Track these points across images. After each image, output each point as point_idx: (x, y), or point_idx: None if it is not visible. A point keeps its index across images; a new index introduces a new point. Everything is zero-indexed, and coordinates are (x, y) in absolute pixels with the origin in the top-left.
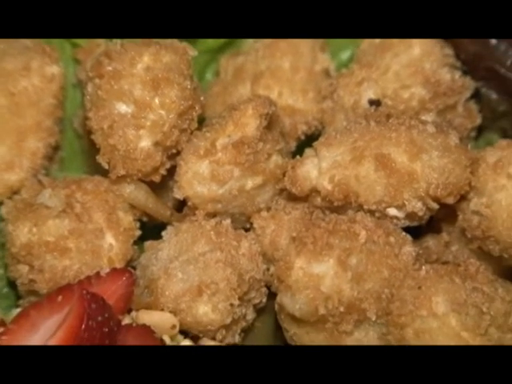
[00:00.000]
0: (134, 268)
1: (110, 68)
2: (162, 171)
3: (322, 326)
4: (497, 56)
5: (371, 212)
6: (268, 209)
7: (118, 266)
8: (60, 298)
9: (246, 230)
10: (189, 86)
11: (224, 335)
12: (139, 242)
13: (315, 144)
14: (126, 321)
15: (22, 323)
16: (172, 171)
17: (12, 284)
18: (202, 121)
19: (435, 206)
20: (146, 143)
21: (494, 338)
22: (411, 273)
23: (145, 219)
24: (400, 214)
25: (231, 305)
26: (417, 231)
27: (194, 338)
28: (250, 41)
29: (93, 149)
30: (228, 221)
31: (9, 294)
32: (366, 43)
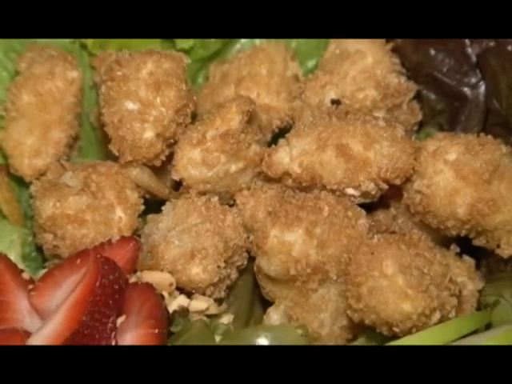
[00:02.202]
0: (139, 236)
1: (119, 73)
2: (162, 157)
3: (293, 284)
4: (435, 64)
5: (333, 191)
6: (248, 188)
7: (126, 234)
8: (78, 260)
9: (231, 206)
10: (184, 88)
11: (212, 291)
12: (143, 215)
13: (287, 135)
14: (133, 279)
15: (47, 281)
16: (170, 157)
17: (39, 249)
18: (194, 116)
19: (385, 186)
20: (149, 134)
21: (434, 294)
22: (365, 241)
23: (148, 196)
24: (356, 193)
25: (218, 267)
26: (370, 207)
27: (188, 294)
28: (234, 51)
29: (106, 139)
30: (216, 198)
31: (36, 258)
32: (328, 53)
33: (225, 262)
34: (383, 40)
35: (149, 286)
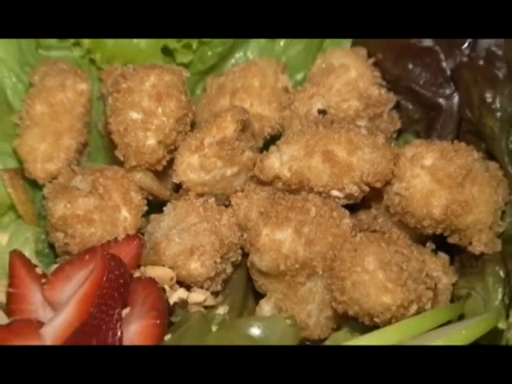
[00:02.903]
0: (143, 234)
1: (124, 85)
2: (164, 162)
3: (283, 278)
4: (413, 77)
5: (319, 193)
6: (242, 190)
7: (131, 233)
8: (87, 257)
9: (226, 206)
10: (184, 99)
11: (209, 285)
12: (146, 215)
13: (278, 142)
14: (137, 274)
15: (59, 275)
16: (171, 162)
17: (51, 246)
18: (193, 125)
19: (367, 189)
20: (151, 141)
21: (411, 288)
22: (349, 239)
23: (150, 198)
24: (340, 195)
25: (215, 262)
26: (353, 207)
27: (187, 287)
28: (229, 65)
29: (112, 145)
30: (212, 199)
31: (49, 254)
32: (315, 67)
33: (221, 257)
34: (365, 55)
35: (151, 280)
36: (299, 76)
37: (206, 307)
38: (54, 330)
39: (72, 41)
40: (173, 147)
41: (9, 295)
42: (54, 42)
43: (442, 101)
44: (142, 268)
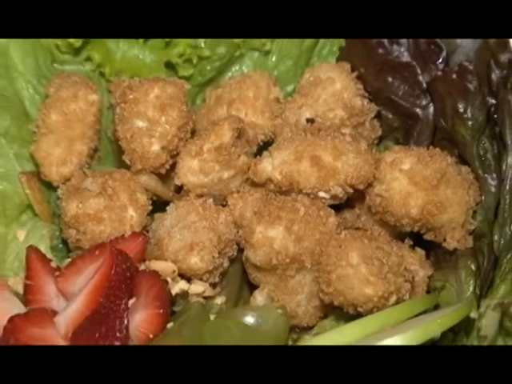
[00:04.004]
0: (148, 232)
1: (131, 96)
2: (167, 166)
3: (274, 271)
4: (392, 89)
5: (308, 194)
6: (238, 192)
7: (137, 230)
8: (97, 252)
9: (223, 206)
10: (185, 109)
11: (208, 277)
12: (151, 214)
13: (270, 148)
14: (142, 268)
15: (71, 269)
16: (173, 166)
17: (64, 242)
18: (193, 132)
19: (350, 190)
20: (155, 147)
21: (391, 280)
22: (334, 236)
23: (155, 198)
24: (327, 196)
25: (213, 257)
26: (338, 207)
27: (188, 279)
28: (226, 78)
29: (120, 151)
30: (211, 200)
31: (62, 249)
32: (304, 80)
33: (218, 252)
34: (349, 69)
35: (155, 273)
36: (289, 88)
37: (205, 297)
38: (66, 318)
39: (84, 56)
40: (175, 152)
41: (25, 286)
42: (67, 57)
43: (418, 111)
44: (146, 262)
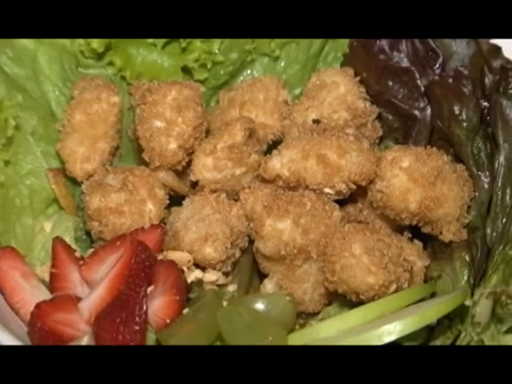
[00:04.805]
0: (165, 224)
1: (150, 98)
2: (183, 163)
3: (283, 261)
4: (392, 92)
5: (314, 190)
6: (249, 187)
7: (155, 223)
8: (118, 242)
9: (235, 200)
10: (200, 110)
11: (221, 266)
12: (168, 207)
13: (279, 147)
14: (160, 257)
15: (94, 258)
16: (189, 163)
17: (88, 233)
18: (208, 132)
19: (354, 186)
20: (173, 146)
21: (391, 270)
22: (339, 229)
23: (172, 193)
24: (332, 192)
25: (226, 248)
26: (342, 202)
27: (202, 268)
28: (238, 81)
29: (140, 149)
30: (224, 195)
31: (86, 240)
32: (311, 83)
33: (231, 244)
34: (353, 74)
35: (172, 263)
36: (297, 91)
37: (218, 285)
38: (89, 304)
39: (106, 61)
40: (191, 151)
41: (52, 275)
42: (91, 62)
43: (417, 112)
44: (164, 252)
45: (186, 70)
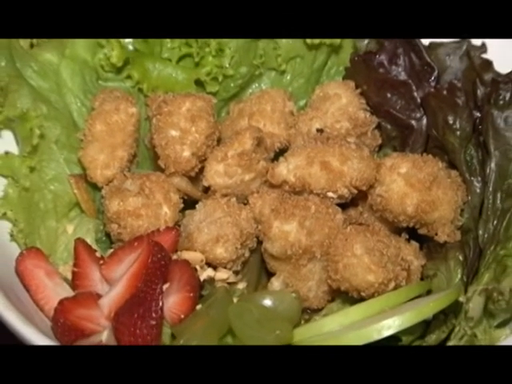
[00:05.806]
0: (179, 226)
1: (166, 109)
2: (196, 170)
3: (289, 261)
4: (391, 104)
5: (318, 194)
6: (258, 192)
7: (170, 225)
8: (136, 243)
9: (245, 204)
10: (212, 120)
11: (231, 265)
12: (182, 211)
13: (285, 154)
14: (174, 257)
15: (113, 258)
16: (202, 170)
17: (108, 235)
18: (219, 140)
19: (355, 191)
20: (186, 153)
21: (390, 269)
22: (341, 230)
23: (186, 197)
24: (334, 196)
25: (236, 248)
26: (344, 205)
27: (214, 267)
28: (247, 93)
29: (156, 156)
30: (234, 199)
31: (106, 241)
32: (315, 95)
33: (241, 244)
34: (354, 86)
35: (186, 262)
36: (302, 102)
37: (228, 283)
38: (109, 300)
39: (125, 74)
40: (203, 158)
41: (74, 273)
42: (110, 75)
43: (413, 122)
44: (178, 252)
45: (199, 83)
